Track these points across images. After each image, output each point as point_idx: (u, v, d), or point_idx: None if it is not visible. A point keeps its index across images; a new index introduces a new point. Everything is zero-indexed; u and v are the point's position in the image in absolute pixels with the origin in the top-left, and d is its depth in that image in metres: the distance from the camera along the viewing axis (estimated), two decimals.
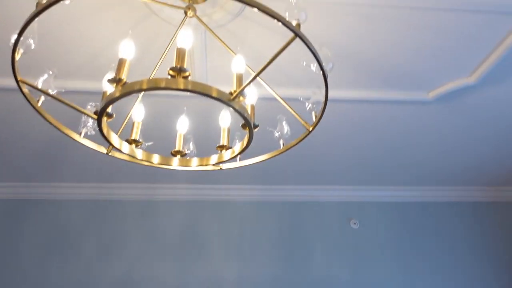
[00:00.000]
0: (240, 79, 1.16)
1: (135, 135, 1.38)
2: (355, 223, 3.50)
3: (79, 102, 2.20)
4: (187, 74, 1.05)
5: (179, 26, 1.53)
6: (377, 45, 1.91)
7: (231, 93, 1.11)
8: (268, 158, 1.57)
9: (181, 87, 1.01)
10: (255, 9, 0.92)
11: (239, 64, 1.18)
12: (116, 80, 1.06)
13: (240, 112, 1.12)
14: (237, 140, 1.67)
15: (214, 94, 1.04)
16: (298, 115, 1.42)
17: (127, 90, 1.02)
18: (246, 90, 1.28)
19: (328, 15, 1.74)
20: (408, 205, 3.60)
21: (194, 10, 1.49)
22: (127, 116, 1.51)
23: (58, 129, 1.36)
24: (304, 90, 1.94)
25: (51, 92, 1.32)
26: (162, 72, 1.89)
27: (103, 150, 1.51)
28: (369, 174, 3.31)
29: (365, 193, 3.57)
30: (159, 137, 1.93)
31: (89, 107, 1.58)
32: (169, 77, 1.05)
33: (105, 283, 3.03)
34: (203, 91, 1.03)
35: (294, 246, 3.33)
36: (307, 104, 1.39)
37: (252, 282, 3.14)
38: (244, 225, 3.38)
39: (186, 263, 3.16)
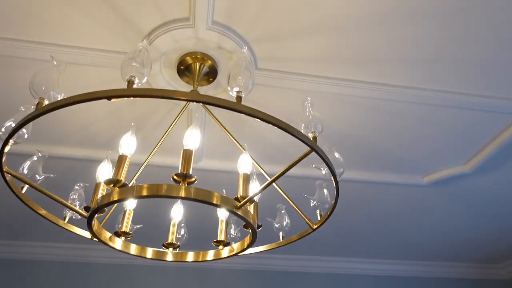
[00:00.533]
0: (247, 180, 1.09)
1: (126, 226, 1.27)
2: None
3: (67, 167, 2.14)
4: (192, 180, 0.97)
5: (181, 112, 1.49)
6: (376, 133, 1.91)
7: (237, 199, 1.04)
8: (267, 250, 1.46)
9: (183, 195, 0.93)
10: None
11: (246, 164, 1.12)
12: (114, 182, 0.98)
13: (245, 218, 1.04)
14: (233, 227, 1.58)
15: (218, 202, 0.97)
16: (301, 211, 1.35)
17: (126, 196, 0.94)
18: (252, 191, 1.21)
19: (332, 104, 1.75)
20: (398, 279, 3.49)
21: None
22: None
23: (43, 216, 1.24)
24: (306, 169, 1.89)
25: (38, 177, 1.22)
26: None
27: (87, 235, 1.39)
28: (360, 248, 3.22)
29: (355, 265, 3.45)
30: (148, 222, 1.82)
31: (76, 187, 1.48)
32: (172, 181, 0.98)
33: None
34: (206, 200, 0.95)
35: None
36: (312, 202, 1.32)
37: None
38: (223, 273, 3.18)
39: None
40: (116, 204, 1.37)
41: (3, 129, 1.04)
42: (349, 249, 3.26)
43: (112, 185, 0.99)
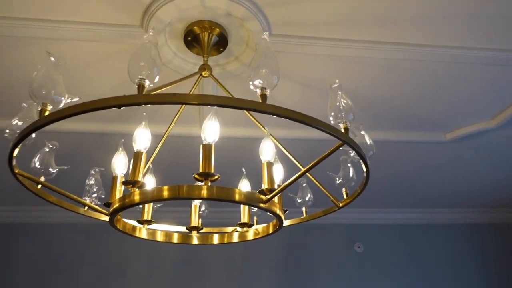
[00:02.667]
0: (270, 169, 1.03)
1: (147, 214, 1.24)
2: (359, 247, 3.43)
3: (77, 141, 2.08)
4: (215, 178, 0.91)
5: (194, 86, 1.39)
6: (399, 93, 1.80)
7: (262, 192, 0.98)
8: (291, 225, 1.44)
9: (205, 196, 0.88)
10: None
11: (269, 150, 1.05)
12: (132, 183, 0.93)
13: (272, 212, 0.99)
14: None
15: (242, 199, 0.92)
16: (326, 190, 1.29)
17: (147, 199, 0.89)
18: (276, 176, 1.15)
19: (349, 67, 1.62)
20: (413, 228, 3.54)
21: (210, 69, 1.35)
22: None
23: (62, 207, 1.21)
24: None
25: (52, 170, 1.17)
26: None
27: (106, 218, 1.38)
28: (375, 197, 3.23)
29: (370, 215, 3.49)
30: None
31: (92, 172, 1.43)
32: (195, 180, 0.92)
33: None
34: (228, 198, 0.90)
35: (298, 270, 3.24)
36: (336, 180, 1.26)
37: None
38: (247, 249, 3.27)
39: (188, 286, 3.06)
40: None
41: (7, 130, 0.97)
42: (363, 200, 3.27)
43: (131, 186, 0.94)
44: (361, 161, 1.00)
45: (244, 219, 1.28)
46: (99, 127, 1.96)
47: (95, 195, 1.36)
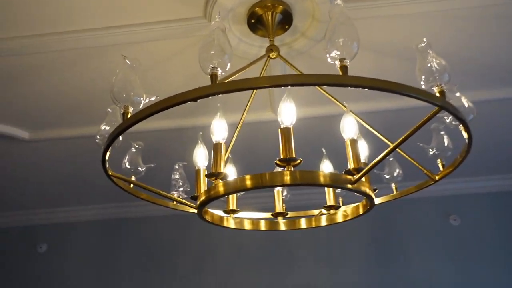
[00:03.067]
0: (355, 147, 0.96)
1: (232, 203, 1.24)
2: (455, 219, 3.16)
3: (159, 138, 2.19)
4: (297, 162, 0.87)
5: (263, 69, 1.35)
6: (488, 47, 1.56)
7: (349, 172, 0.92)
8: (383, 202, 1.35)
9: (288, 182, 0.84)
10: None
11: (351, 127, 0.98)
12: (215, 175, 0.93)
13: (362, 192, 0.92)
14: None
15: (327, 182, 0.86)
16: (417, 163, 1.18)
17: (231, 190, 0.88)
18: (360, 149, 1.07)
19: (435, 23, 1.44)
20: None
21: (277, 50, 1.29)
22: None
23: (153, 202, 1.27)
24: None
25: (140, 169, 1.23)
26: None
27: (194, 210, 1.42)
28: (471, 164, 2.92)
29: (465, 184, 3.18)
30: None
31: (176, 167, 1.48)
32: (277, 167, 0.89)
33: None
34: (314, 182, 0.85)
35: (389, 248, 3.10)
36: (430, 150, 1.14)
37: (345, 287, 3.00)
38: (332, 228, 3.20)
39: (276, 271, 3.10)
40: None
41: (97, 136, 1.03)
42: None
43: (214, 178, 0.94)
44: (460, 126, 0.88)
45: (330, 201, 1.23)
46: (176, 123, 2.03)
47: (181, 189, 1.41)
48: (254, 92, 1.36)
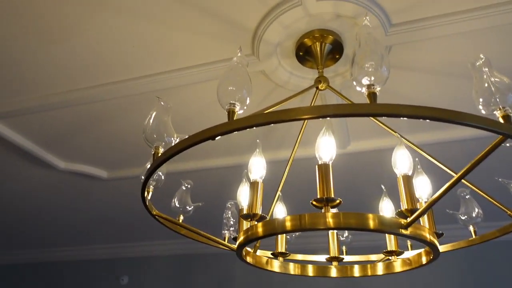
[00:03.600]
0: (409, 185, 0.83)
1: (281, 246, 1.16)
2: None
3: (218, 176, 2.23)
4: (336, 203, 0.78)
5: (312, 101, 1.29)
6: None
7: (401, 214, 0.79)
8: (456, 249, 1.15)
9: (331, 225, 0.74)
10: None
11: (404, 161, 0.85)
12: (250, 216, 0.87)
13: (418, 239, 0.78)
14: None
15: (377, 227, 0.74)
16: (496, 201, 0.98)
17: (270, 232, 0.81)
18: (420, 190, 0.94)
19: (491, 39, 1.26)
20: None
21: (326, 81, 1.23)
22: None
23: (196, 240, 1.24)
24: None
25: (188, 208, 1.23)
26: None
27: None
28: None
29: None
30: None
31: (228, 205, 1.46)
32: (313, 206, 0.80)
33: None
34: (360, 227, 0.74)
35: None
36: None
37: None
38: (414, 277, 2.86)
39: None
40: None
41: (142, 176, 1.05)
42: None
43: (249, 219, 0.88)
44: None
45: (391, 245, 1.08)
46: (228, 161, 2.05)
47: (232, 228, 1.37)
48: (304, 125, 1.29)
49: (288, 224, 0.80)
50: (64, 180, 2.41)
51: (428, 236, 0.80)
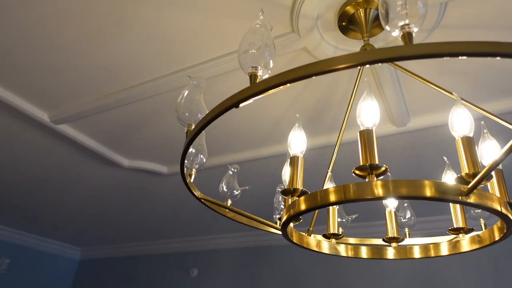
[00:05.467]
0: (470, 147, 0.72)
1: (333, 227, 1.10)
2: None
3: (273, 164, 2.20)
4: (382, 170, 0.70)
5: (359, 73, 1.20)
6: None
7: (461, 179, 0.69)
8: None
9: (380, 194, 0.67)
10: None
11: (463, 121, 0.75)
12: (291, 192, 0.82)
13: (483, 207, 0.67)
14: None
15: (434, 194, 0.65)
16: None
17: (312, 206, 0.76)
18: (485, 156, 0.82)
19: None
20: None
21: (372, 48, 1.13)
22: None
23: (241, 222, 1.22)
24: None
25: (235, 192, 1.22)
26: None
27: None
28: None
29: None
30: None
31: (278, 189, 1.42)
32: (356, 176, 0.73)
33: None
34: (415, 194, 0.66)
35: None
36: None
37: None
38: (500, 268, 2.57)
39: None
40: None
41: (186, 161, 1.05)
42: None
43: (290, 195, 0.83)
44: None
45: (458, 222, 0.96)
46: (281, 149, 2.00)
47: (282, 212, 1.33)
48: (353, 98, 1.20)
49: (331, 196, 0.74)
50: (130, 178, 2.56)
51: (497, 204, 0.69)
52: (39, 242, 4.10)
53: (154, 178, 2.52)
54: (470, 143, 0.73)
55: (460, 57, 0.49)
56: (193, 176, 1.01)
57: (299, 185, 0.83)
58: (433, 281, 2.70)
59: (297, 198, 0.83)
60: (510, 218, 0.71)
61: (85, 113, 1.85)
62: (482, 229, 0.97)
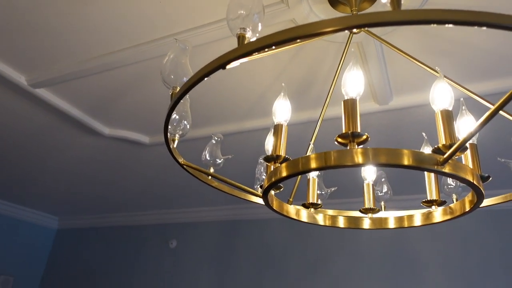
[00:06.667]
0: (448, 120, 0.74)
1: (312, 196, 1.12)
2: None
3: (256, 138, 2.21)
4: (363, 138, 0.71)
5: (346, 47, 1.20)
6: None
7: (437, 150, 0.72)
8: (501, 203, 1.04)
9: (360, 161, 0.69)
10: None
11: (443, 95, 0.77)
12: (273, 159, 0.84)
13: (457, 177, 0.70)
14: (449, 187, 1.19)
15: (411, 163, 0.67)
16: None
17: (293, 172, 0.78)
18: (462, 130, 0.85)
19: None
20: None
21: None
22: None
23: (224, 191, 1.24)
24: None
25: (218, 161, 1.23)
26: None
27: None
28: None
29: None
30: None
31: (261, 160, 1.44)
32: (337, 144, 0.75)
33: None
34: (393, 162, 0.68)
35: None
36: None
37: None
38: (468, 242, 2.71)
39: (398, 283, 2.76)
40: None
41: (170, 127, 1.05)
42: None
43: (273, 162, 0.85)
44: None
45: (431, 195, 1.00)
46: (266, 122, 2.01)
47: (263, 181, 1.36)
48: (338, 71, 1.21)
49: (312, 162, 0.75)
50: (111, 148, 2.52)
51: (470, 175, 0.72)
52: (16, 210, 4.05)
53: (135, 148, 2.50)
54: (448, 116, 0.75)
55: (446, 25, 0.50)
56: (176, 142, 1.01)
57: (282, 153, 0.85)
58: (405, 255, 2.83)
59: (279, 164, 0.84)
60: (480, 189, 0.74)
61: (65, 78, 1.80)
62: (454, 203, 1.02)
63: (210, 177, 1.15)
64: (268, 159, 0.85)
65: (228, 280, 3.34)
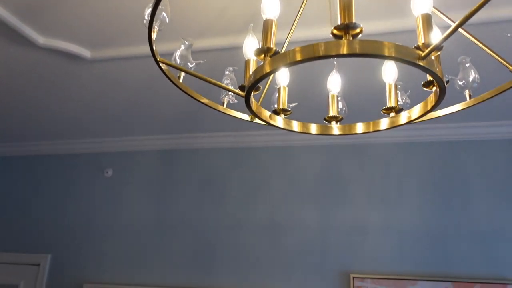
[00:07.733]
0: (428, 23, 0.82)
1: (283, 103, 1.18)
2: None
3: (212, 59, 2.16)
4: (357, 31, 0.76)
5: None
6: None
7: (418, 48, 0.80)
8: (454, 112, 1.19)
9: (345, 51, 0.74)
10: None
11: (425, 1, 0.84)
12: (264, 51, 0.85)
13: (431, 71, 0.80)
14: (399, 93, 1.33)
15: (393, 54, 0.75)
16: (499, 56, 1.01)
17: (278, 65, 0.80)
18: (436, 36, 0.94)
19: None
20: None
21: None
22: (268, 80, 1.32)
23: (200, 101, 1.25)
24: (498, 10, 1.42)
25: (190, 65, 1.20)
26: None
27: (246, 118, 1.38)
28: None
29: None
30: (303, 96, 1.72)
31: (227, 72, 1.44)
32: (332, 37, 0.79)
33: (251, 226, 3.18)
34: (376, 52, 0.74)
35: (449, 190, 2.91)
36: None
37: (400, 228, 2.90)
38: (389, 167, 3.07)
39: (329, 207, 3.08)
40: (269, 79, 1.29)
41: (145, 17, 0.99)
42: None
43: (263, 55, 0.86)
44: None
45: (391, 102, 1.11)
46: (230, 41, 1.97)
47: (231, 93, 1.37)
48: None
49: (299, 55, 0.78)
50: (44, 61, 2.28)
51: (439, 71, 0.82)
52: None
53: (74, 63, 2.29)
54: (427, 20, 0.83)
55: None
56: (154, 35, 0.97)
57: (273, 45, 0.86)
58: (337, 178, 3.13)
59: (269, 57, 0.86)
60: (443, 81, 0.85)
61: None
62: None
63: (184, 74, 1.13)
64: (258, 51, 0.86)
65: (167, 209, 3.40)
